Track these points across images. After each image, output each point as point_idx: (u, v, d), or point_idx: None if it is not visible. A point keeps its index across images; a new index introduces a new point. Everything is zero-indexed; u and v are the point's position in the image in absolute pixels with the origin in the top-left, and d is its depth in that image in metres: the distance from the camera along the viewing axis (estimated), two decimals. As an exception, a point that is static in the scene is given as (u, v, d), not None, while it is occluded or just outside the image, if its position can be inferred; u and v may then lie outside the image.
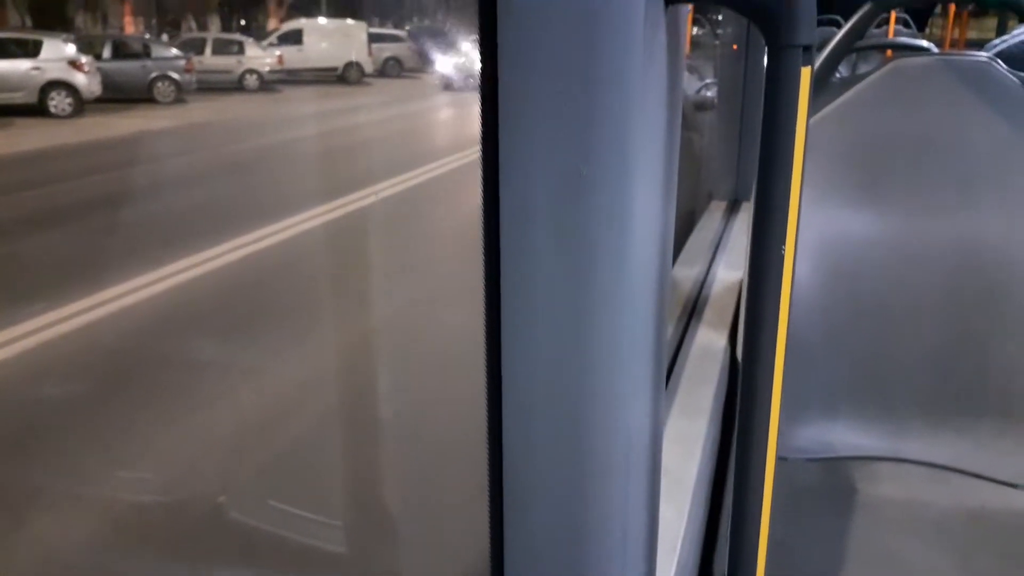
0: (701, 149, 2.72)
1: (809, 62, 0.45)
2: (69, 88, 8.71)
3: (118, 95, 9.59)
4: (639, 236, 0.46)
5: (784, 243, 0.48)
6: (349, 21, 15.49)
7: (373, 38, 15.13)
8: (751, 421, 0.54)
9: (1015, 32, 4.90)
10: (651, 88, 0.45)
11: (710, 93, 3.82)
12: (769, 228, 0.48)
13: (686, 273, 1.62)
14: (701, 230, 2.00)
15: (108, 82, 9.40)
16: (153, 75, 10.27)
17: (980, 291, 1.38)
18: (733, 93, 2.22)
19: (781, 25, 0.44)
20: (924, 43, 3.13)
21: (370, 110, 12.25)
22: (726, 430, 1.19)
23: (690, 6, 0.50)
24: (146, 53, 10.63)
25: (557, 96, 0.43)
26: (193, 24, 17.30)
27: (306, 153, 8.28)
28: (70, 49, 8.98)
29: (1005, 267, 1.37)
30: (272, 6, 17.60)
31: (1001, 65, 1.33)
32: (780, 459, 1.43)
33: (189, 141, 8.73)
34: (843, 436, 1.41)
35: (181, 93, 10.35)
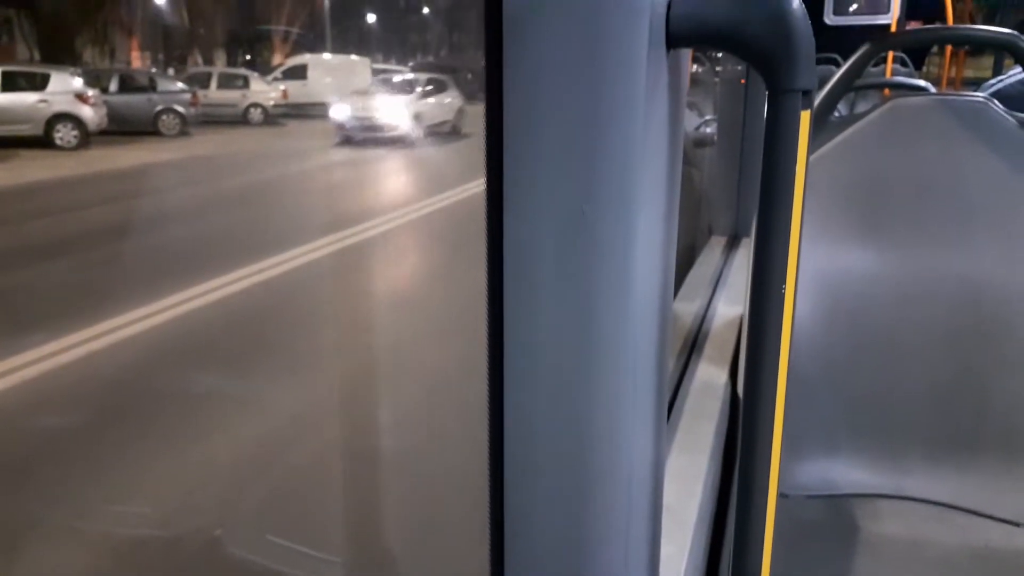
0: (701, 185, 2.74)
1: (809, 106, 0.46)
2: (75, 121, 8.82)
3: (124, 128, 9.74)
4: (640, 274, 0.47)
5: (784, 283, 0.48)
6: (353, 57, 15.80)
7: (376, 74, 15.40)
8: (752, 458, 0.54)
9: (1011, 72, 4.97)
10: (653, 129, 0.45)
11: (710, 129, 3.86)
12: (770, 268, 0.48)
13: (687, 308, 1.62)
14: (701, 265, 2.01)
15: (114, 115, 9.54)
16: (158, 108, 10.41)
17: (980, 328, 1.39)
18: (733, 130, 2.25)
19: (781, 70, 0.45)
20: (921, 82, 3.17)
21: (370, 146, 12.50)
22: (727, 466, 1.19)
23: (691, 49, 0.52)
24: (152, 87, 10.78)
25: (561, 136, 0.44)
26: (199, 59, 17.66)
27: (306, 187, 8.36)
28: (77, 83, 9.12)
29: (1004, 304, 1.38)
30: (277, 42, 18.16)
31: (997, 105, 1.35)
32: (781, 496, 1.42)
33: (191, 173, 8.80)
34: (844, 473, 1.40)
35: (186, 126, 10.48)
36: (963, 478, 1.39)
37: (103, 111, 9.27)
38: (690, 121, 4.40)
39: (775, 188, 0.47)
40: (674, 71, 0.49)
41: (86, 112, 8.87)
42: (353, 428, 3.23)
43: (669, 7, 0.46)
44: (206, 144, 10.68)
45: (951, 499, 1.37)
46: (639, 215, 0.45)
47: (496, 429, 0.51)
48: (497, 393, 0.50)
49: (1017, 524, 1.32)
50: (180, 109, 10.46)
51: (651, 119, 0.45)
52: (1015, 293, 1.36)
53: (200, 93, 11.39)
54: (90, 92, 9.09)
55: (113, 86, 10.37)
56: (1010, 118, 1.35)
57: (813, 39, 0.46)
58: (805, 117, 0.46)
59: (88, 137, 8.87)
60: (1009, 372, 1.40)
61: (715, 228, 2.31)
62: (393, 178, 9.29)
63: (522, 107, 0.44)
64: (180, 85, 11.19)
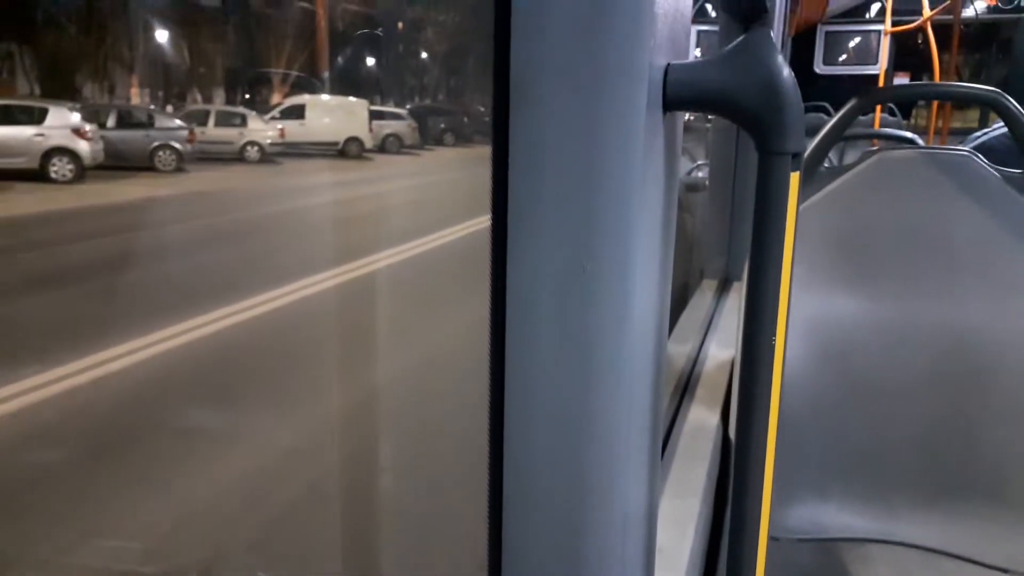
0: (693, 229, 2.77)
1: (797, 167, 0.49)
2: (71, 155, 8.82)
3: (121, 163, 9.72)
4: (637, 326, 0.49)
5: (775, 335, 0.50)
6: (351, 98, 15.98)
7: (374, 115, 15.53)
8: (744, 501, 0.56)
9: (995, 125, 5.07)
10: (650, 188, 0.48)
11: (701, 174, 3.92)
12: (761, 320, 0.50)
13: (679, 350, 1.64)
14: (693, 308, 2.03)
15: (111, 150, 9.56)
16: (155, 144, 10.43)
17: (968, 375, 1.41)
18: (724, 176, 2.29)
19: (771, 134, 0.48)
20: (908, 135, 3.24)
21: (363, 185, 12.34)
22: (718, 508, 1.19)
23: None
24: (149, 123, 10.83)
25: (563, 195, 0.46)
26: (199, 96, 17.65)
27: (297, 224, 8.27)
28: (74, 117, 9.13)
29: (991, 351, 1.40)
30: (277, 82, 18.14)
31: (980, 159, 1.39)
32: (772, 539, 1.43)
33: (184, 209, 8.75)
34: (834, 517, 1.41)
35: (182, 162, 10.49)
36: (952, 523, 1.40)
37: (99, 146, 9.29)
38: (682, 166, 4.46)
39: (766, 243, 0.50)
40: (670, 132, 0.52)
41: (82, 147, 8.91)
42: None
43: (666, 73, 0.48)
44: (200, 181, 10.63)
45: (940, 544, 1.38)
46: (636, 269, 0.47)
47: (495, 465, 0.53)
48: (497, 429, 0.52)
49: (1005, 571, 1.33)
50: (177, 145, 10.52)
51: (648, 178, 0.47)
52: (1000, 341, 1.39)
53: (198, 130, 11.43)
54: (87, 127, 9.12)
55: (111, 121, 10.45)
56: (993, 172, 1.38)
57: (802, 106, 0.48)
58: (794, 178, 0.49)
59: (84, 171, 8.89)
60: (998, 418, 1.42)
61: (707, 272, 2.33)
62: (394, 218, 9.26)
63: (526, 167, 0.46)
64: (177, 122, 11.23)
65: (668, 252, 0.57)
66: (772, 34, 2.06)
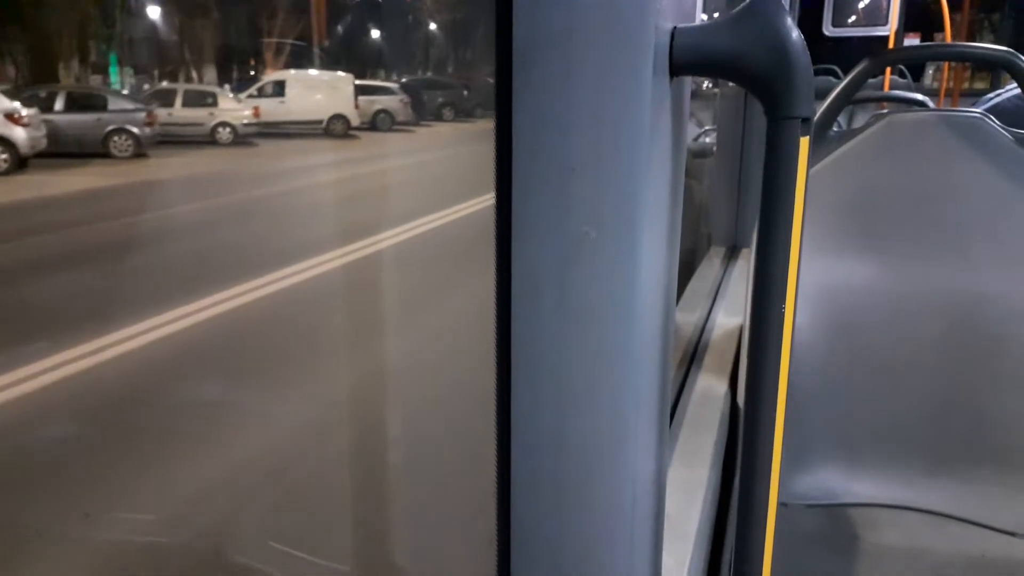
0: (701, 196, 2.76)
1: (807, 132, 0.48)
2: (6, 143, 7.88)
3: (68, 149, 8.95)
4: (644, 293, 0.48)
5: (784, 302, 0.50)
6: (336, 73, 15.08)
7: (363, 90, 14.68)
8: (753, 468, 0.56)
9: (1008, 87, 5.00)
10: (657, 154, 0.47)
11: (709, 139, 3.88)
12: (770, 288, 0.50)
13: (687, 318, 1.64)
14: (701, 276, 2.03)
15: (58, 136, 8.79)
16: (110, 128, 9.48)
17: (978, 340, 1.40)
18: (732, 141, 2.27)
19: (780, 98, 0.47)
20: (919, 96, 3.19)
21: (343, 166, 11.32)
22: (726, 476, 1.20)
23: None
24: (103, 105, 9.81)
25: (568, 162, 0.45)
26: (193, 74, 16.68)
27: (254, 215, 7.40)
28: (5, 102, 8.18)
29: (1002, 317, 1.39)
30: (269, 57, 17.35)
31: (993, 120, 1.37)
32: (781, 505, 1.43)
33: (123, 202, 7.73)
34: (843, 483, 1.42)
35: (141, 148, 9.57)
36: (961, 488, 1.41)
37: (40, 132, 8.44)
38: (690, 132, 4.41)
39: (775, 210, 0.49)
40: (677, 98, 0.51)
41: (18, 133, 8.04)
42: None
43: (672, 37, 0.47)
44: (156, 168, 9.69)
45: (949, 509, 1.38)
46: (643, 237, 0.47)
47: (503, 439, 0.53)
48: (504, 404, 0.52)
49: (1014, 534, 1.34)
50: (133, 129, 9.59)
51: (655, 145, 0.46)
52: (1011, 306, 1.38)
53: (163, 112, 10.60)
54: (24, 112, 8.24)
55: (59, 104, 9.54)
56: (1005, 133, 1.36)
57: (812, 69, 0.47)
58: (804, 143, 0.48)
59: (23, 161, 8.05)
60: (1007, 384, 1.41)
61: (715, 239, 2.32)
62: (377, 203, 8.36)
63: (530, 134, 0.46)
64: (135, 104, 10.27)
65: (676, 219, 0.56)
66: (783, 2, 2.03)
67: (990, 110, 1.53)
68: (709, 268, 2.10)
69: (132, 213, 7.11)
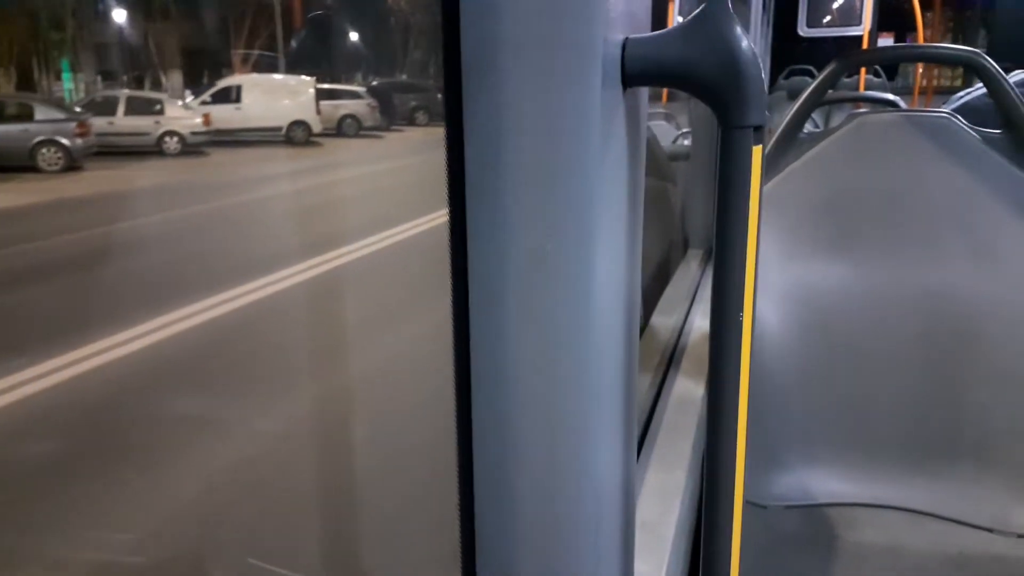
0: (677, 199, 2.77)
1: (760, 141, 0.48)
2: None
3: None
4: (603, 303, 0.48)
5: (742, 310, 0.50)
6: (296, 76, 14.45)
7: (327, 94, 13.99)
8: (718, 473, 0.56)
9: (977, 85, 5.06)
10: (610, 164, 0.47)
11: (687, 142, 3.90)
12: (728, 297, 0.50)
13: (664, 322, 1.64)
14: (679, 279, 2.03)
15: None
16: (37, 140, 8.74)
17: (951, 337, 1.41)
18: (706, 144, 2.28)
19: (733, 107, 0.47)
20: (890, 97, 3.23)
21: (297, 177, 10.40)
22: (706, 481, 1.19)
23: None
24: (29, 115, 9.08)
25: (521, 176, 0.45)
26: (162, 79, 15.82)
27: (186, 234, 6.64)
28: None
29: (973, 313, 1.40)
30: (237, 61, 16.68)
31: (960, 120, 1.38)
32: (759, 507, 1.44)
33: (35, 224, 6.96)
34: (821, 483, 1.42)
35: (73, 160, 8.82)
36: (938, 486, 1.42)
37: None
38: (667, 135, 4.43)
39: (730, 218, 0.49)
40: (632, 109, 0.51)
41: None
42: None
43: (624, 48, 0.47)
44: (86, 183, 8.83)
45: (927, 507, 1.39)
46: (599, 247, 0.46)
47: (464, 452, 0.52)
48: (465, 417, 0.52)
49: (991, 531, 1.35)
50: (63, 141, 8.83)
51: (608, 155, 0.46)
52: (982, 302, 1.39)
53: (104, 121, 9.93)
54: None
55: None
56: (973, 133, 1.38)
57: (763, 79, 0.47)
58: (757, 152, 0.48)
59: None
60: (981, 381, 1.42)
61: (692, 242, 2.33)
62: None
63: (482, 146, 0.45)
64: (65, 113, 9.54)
65: (636, 228, 0.56)
66: (748, 6, 2.04)
67: (959, 109, 1.54)
68: (686, 271, 2.10)
69: (46, 235, 6.37)
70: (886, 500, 1.40)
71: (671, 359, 1.45)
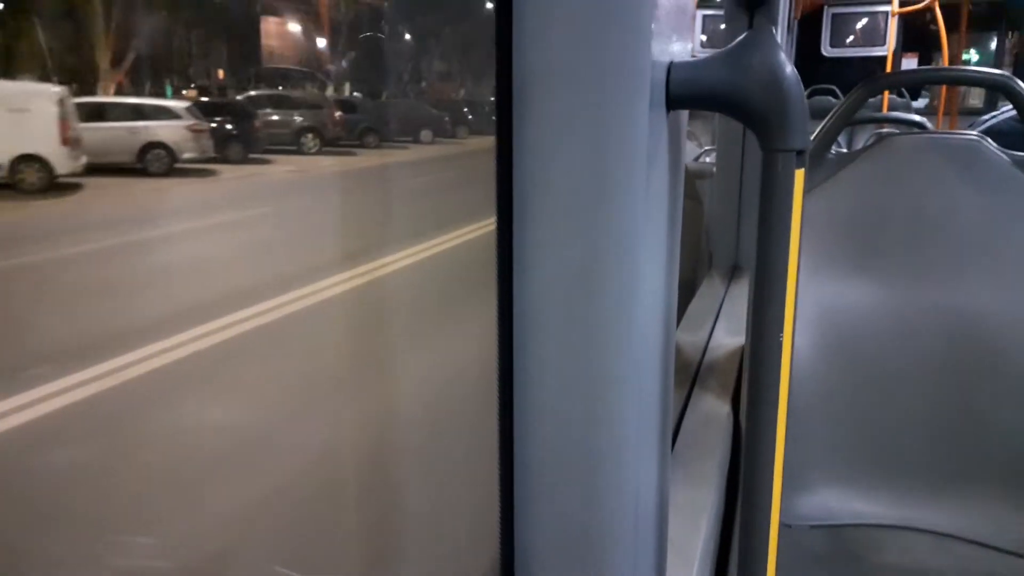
0: (701, 216, 2.77)
1: (802, 164, 0.49)
2: None
3: None
4: (644, 324, 0.49)
5: (782, 331, 0.51)
6: (26, 85, 9.77)
7: (117, 113, 9.45)
8: (754, 493, 0.56)
9: (1004, 108, 5.03)
10: (655, 187, 0.48)
11: (709, 159, 3.90)
12: (768, 318, 0.51)
13: (688, 339, 1.64)
14: (702, 296, 2.03)
15: None
16: None
17: (978, 359, 1.41)
18: (732, 162, 2.28)
19: (775, 131, 0.48)
20: (917, 119, 3.22)
21: None
22: (730, 498, 1.20)
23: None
24: None
25: (569, 198, 0.46)
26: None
27: None
28: None
29: (1001, 336, 1.40)
30: (105, 67, 11.97)
31: (989, 143, 1.38)
32: (784, 526, 1.43)
33: None
34: (847, 503, 1.42)
35: None
36: (966, 508, 1.40)
37: None
38: (690, 152, 4.44)
39: (772, 240, 0.50)
40: (673, 130, 0.52)
41: None
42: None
43: (669, 72, 0.49)
44: None
45: (954, 530, 1.38)
46: (643, 267, 0.48)
47: (506, 469, 0.53)
48: (507, 434, 0.53)
49: (1020, 555, 1.33)
50: None
51: (653, 178, 0.47)
52: (1010, 325, 1.38)
53: None
54: None
55: None
56: (1002, 155, 1.38)
57: (806, 102, 0.48)
58: (799, 175, 0.49)
59: None
60: (1008, 403, 1.41)
61: (715, 259, 2.33)
62: None
63: (530, 168, 0.47)
64: None
65: (674, 249, 0.57)
66: (775, 27, 2.05)
67: (987, 131, 1.55)
68: (710, 288, 2.10)
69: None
70: (911, 522, 1.39)
71: (696, 376, 1.46)
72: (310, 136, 13.08)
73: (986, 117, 5.21)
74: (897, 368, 1.40)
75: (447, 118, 19.05)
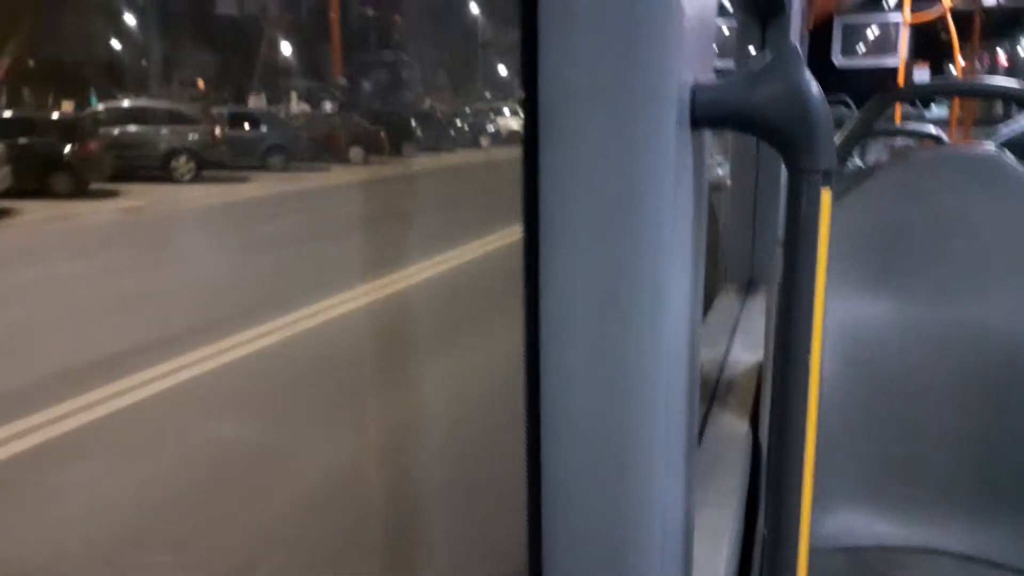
0: (714, 230, 2.75)
1: (828, 183, 0.48)
2: None
3: None
4: (671, 345, 0.49)
5: (810, 353, 0.50)
6: None
7: None
8: (782, 516, 0.55)
9: (1020, 119, 5.00)
10: (681, 207, 0.47)
11: (721, 171, 3.89)
12: (795, 339, 0.50)
13: (704, 356, 1.63)
14: (717, 311, 2.02)
15: None
16: None
17: (1003, 377, 1.38)
18: (746, 175, 2.27)
19: (801, 152, 0.47)
20: (933, 130, 3.20)
21: None
22: (748, 517, 1.18)
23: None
24: None
25: (595, 218, 0.46)
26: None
27: None
28: None
29: None
30: None
31: (1008, 156, 1.36)
32: None
33: None
34: (870, 524, 1.39)
35: None
36: (993, 530, 1.38)
37: None
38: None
39: (798, 261, 0.49)
40: (697, 148, 0.51)
41: None
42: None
43: (694, 91, 0.48)
44: None
45: (980, 552, 1.35)
46: (669, 289, 0.47)
47: (534, 487, 0.53)
48: (534, 454, 0.52)
49: None
50: None
51: (679, 198, 0.47)
52: None
53: None
54: None
55: None
56: (1021, 169, 1.36)
57: (832, 122, 0.48)
58: (825, 195, 0.48)
59: None
60: None
61: (730, 274, 2.32)
62: None
63: (557, 189, 0.46)
64: None
65: (699, 266, 0.56)
66: (793, 35, 2.03)
67: (1007, 143, 1.53)
68: (725, 303, 2.09)
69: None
70: (936, 544, 1.37)
71: (713, 394, 1.44)
72: (182, 160, 9.76)
73: (1005, 130, 5.18)
74: (921, 387, 1.38)
75: (384, 132, 15.00)
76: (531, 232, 0.48)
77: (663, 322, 0.47)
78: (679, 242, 0.48)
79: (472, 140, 19.85)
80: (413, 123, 17.70)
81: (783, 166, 0.50)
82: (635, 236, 0.46)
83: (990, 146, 1.42)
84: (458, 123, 19.97)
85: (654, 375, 0.48)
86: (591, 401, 0.49)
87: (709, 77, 0.52)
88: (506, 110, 22.81)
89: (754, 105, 0.47)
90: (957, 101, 5.98)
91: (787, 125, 0.47)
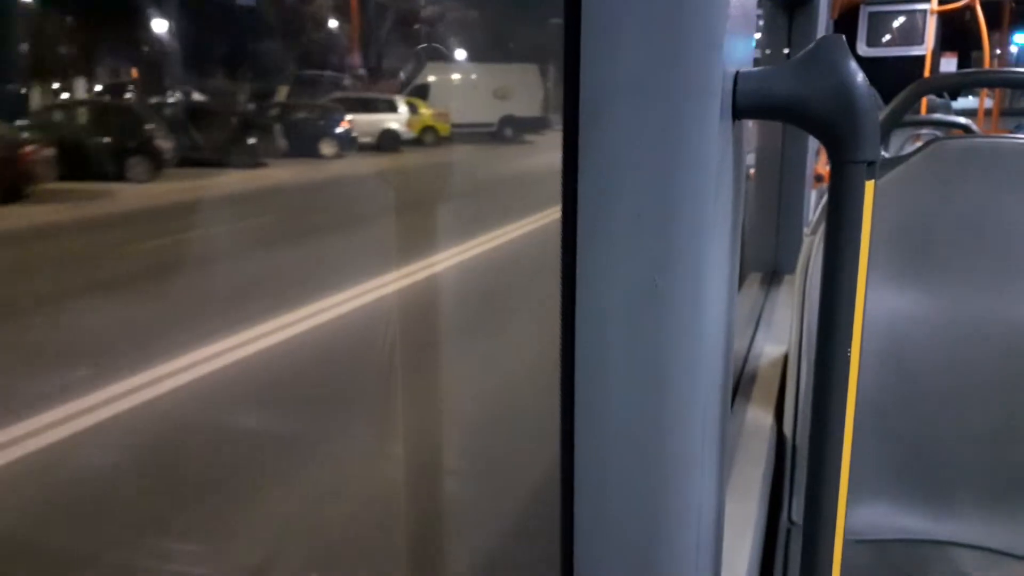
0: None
1: (872, 175, 0.47)
2: None
3: None
4: (708, 337, 0.48)
5: (850, 346, 0.49)
6: None
7: None
8: (819, 507, 0.55)
9: None
10: (722, 199, 0.47)
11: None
12: (836, 332, 0.49)
13: None
14: (740, 302, 2.01)
15: None
16: None
17: None
18: (771, 164, 2.25)
19: (846, 142, 0.46)
20: (963, 121, 3.13)
21: None
22: (772, 508, 1.18)
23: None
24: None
25: (635, 210, 0.46)
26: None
27: None
28: None
29: None
30: None
31: None
32: None
33: None
34: (893, 518, 1.39)
35: None
36: (1016, 524, 1.37)
37: None
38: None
39: (841, 253, 0.48)
40: (738, 140, 0.51)
41: None
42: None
43: (736, 82, 0.47)
44: None
45: (1003, 546, 1.34)
46: (708, 282, 0.47)
47: (567, 478, 0.53)
48: (568, 445, 0.52)
49: None
50: None
51: (721, 188, 0.46)
52: None
53: None
54: None
55: None
56: None
57: (877, 112, 0.47)
58: (869, 187, 0.47)
59: None
60: None
61: (753, 264, 2.30)
62: None
63: (597, 182, 0.46)
64: None
65: (735, 260, 0.56)
66: (820, 24, 2.00)
67: None
68: (749, 294, 2.07)
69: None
70: (960, 538, 1.36)
71: (738, 385, 1.43)
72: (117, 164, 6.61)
73: None
74: (948, 380, 1.37)
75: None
76: (569, 222, 0.48)
77: (703, 316, 0.47)
78: (719, 235, 0.48)
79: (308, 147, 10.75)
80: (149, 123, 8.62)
81: (808, 157, 0.50)
82: (676, 230, 0.45)
83: (1022, 136, 1.40)
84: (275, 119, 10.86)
85: (693, 370, 0.48)
86: (627, 395, 0.49)
87: (749, 64, 0.52)
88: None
89: (799, 95, 0.47)
90: (984, 91, 5.88)
91: (833, 115, 0.46)
